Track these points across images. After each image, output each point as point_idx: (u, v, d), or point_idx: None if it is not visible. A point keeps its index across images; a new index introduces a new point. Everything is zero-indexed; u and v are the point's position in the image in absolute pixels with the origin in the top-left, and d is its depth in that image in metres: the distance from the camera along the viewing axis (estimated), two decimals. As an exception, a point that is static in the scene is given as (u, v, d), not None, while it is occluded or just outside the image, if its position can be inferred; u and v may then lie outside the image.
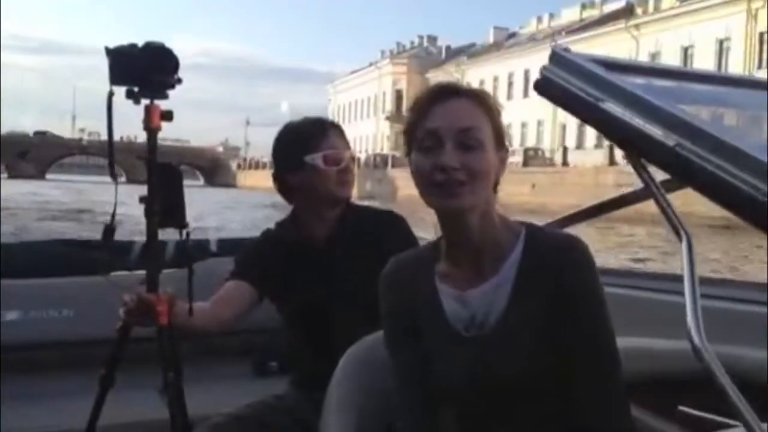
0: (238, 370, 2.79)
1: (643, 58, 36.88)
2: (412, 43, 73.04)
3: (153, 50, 1.85)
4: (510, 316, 1.35)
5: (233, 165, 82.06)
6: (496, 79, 55.18)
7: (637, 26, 43.49)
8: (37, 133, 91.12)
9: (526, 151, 40.30)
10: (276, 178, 2.18)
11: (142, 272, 1.96)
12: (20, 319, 2.58)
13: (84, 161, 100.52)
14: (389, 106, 65.65)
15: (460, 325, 1.38)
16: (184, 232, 1.92)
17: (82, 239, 3.11)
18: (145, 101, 1.87)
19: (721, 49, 38.45)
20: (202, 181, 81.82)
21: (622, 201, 1.81)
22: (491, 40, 64.05)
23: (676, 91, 1.51)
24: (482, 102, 1.36)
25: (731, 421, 1.37)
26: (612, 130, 1.31)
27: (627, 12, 49.20)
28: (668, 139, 1.19)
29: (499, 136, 1.36)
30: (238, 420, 2.07)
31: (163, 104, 1.88)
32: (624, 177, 29.91)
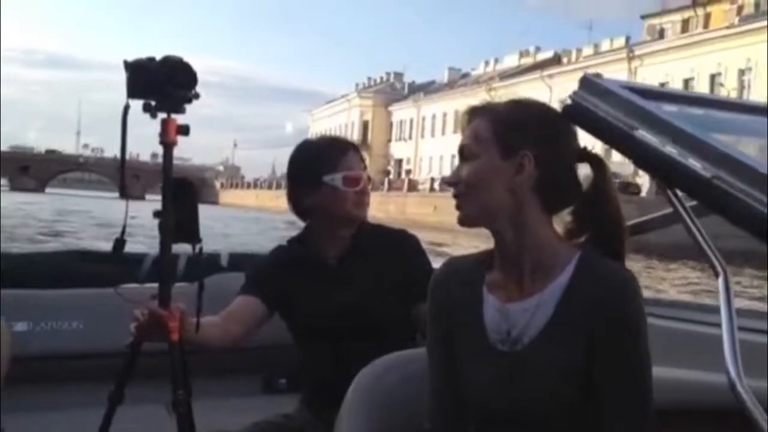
0: (248, 388, 2.71)
1: (555, 104, 45.12)
2: (381, 78, 77.74)
3: (171, 64, 1.82)
4: (546, 337, 1.27)
5: (217, 184, 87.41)
6: (444, 115, 60.70)
7: (550, 76, 49.36)
8: (48, 152, 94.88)
9: (431, 180, 46.30)
10: (291, 196, 2.09)
11: (152, 285, 1.89)
12: (29, 330, 2.52)
13: (86, 176, 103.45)
14: (357, 135, 69.13)
15: (497, 338, 1.31)
16: (197, 247, 1.85)
17: (93, 251, 3.07)
18: (161, 115, 1.83)
19: None
20: None
21: (649, 225, 1.78)
22: (446, 79, 69.97)
23: (708, 120, 1.47)
24: (483, 118, 1.33)
25: None
26: (645, 159, 1.26)
27: (555, 61, 55.00)
28: (704, 171, 1.16)
29: (504, 146, 1.29)
30: None
31: (179, 119, 1.83)
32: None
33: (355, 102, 73.74)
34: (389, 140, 69.75)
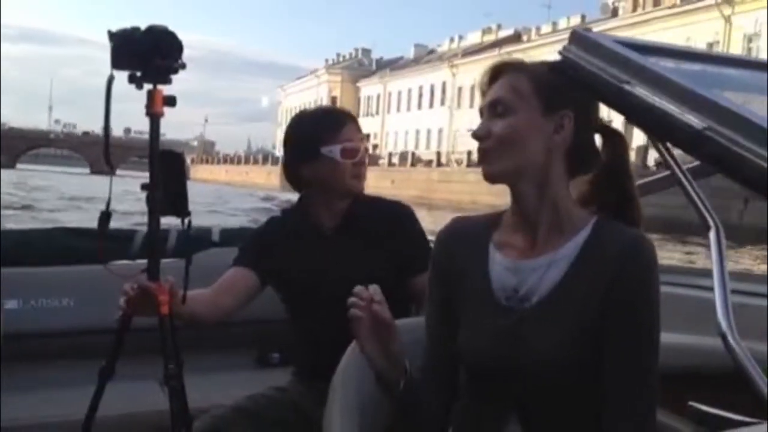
0: (240, 361, 2.69)
1: None
2: (350, 54, 78.49)
3: (156, 34, 1.77)
4: (556, 296, 1.24)
5: (188, 159, 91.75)
6: (409, 91, 62.13)
7: (508, 53, 50.49)
8: (12, 129, 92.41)
9: (389, 155, 49.72)
10: (287, 167, 2.05)
11: (143, 262, 1.85)
12: (20, 307, 2.49)
13: (57, 152, 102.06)
14: None
15: (503, 294, 1.29)
16: (186, 220, 1.81)
17: (83, 228, 2.97)
18: (147, 86, 1.77)
19: None
20: None
21: (645, 188, 1.74)
22: (412, 56, 70.97)
23: (705, 75, 1.44)
24: (521, 73, 1.30)
25: (745, 418, 1.35)
26: (636, 114, 1.24)
27: (515, 38, 55.66)
28: (696, 122, 1.13)
29: (545, 102, 1.26)
30: (239, 412, 1.96)
31: (165, 89, 1.78)
32: (445, 174, 39.99)
33: (324, 78, 74.31)
34: (357, 115, 71.21)
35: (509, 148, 1.28)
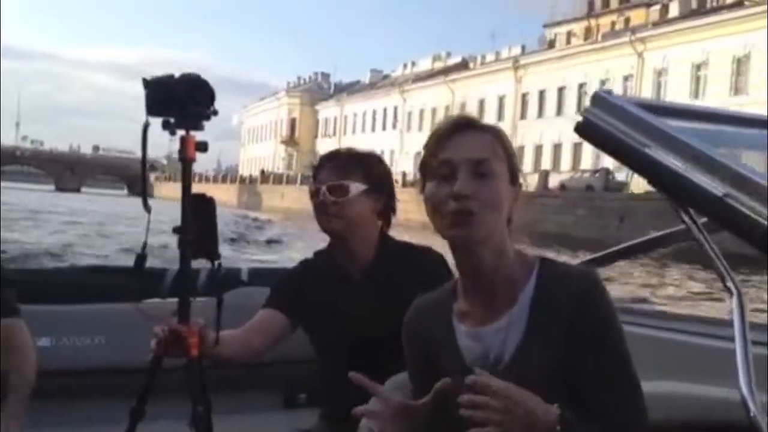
0: (267, 402, 2.68)
1: (456, 109, 46.08)
2: (310, 77, 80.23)
3: (190, 81, 1.80)
4: (524, 352, 1.25)
5: (152, 178, 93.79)
6: (364, 114, 64.31)
7: (453, 81, 53.05)
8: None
9: None
10: None
11: (173, 300, 1.86)
12: (52, 345, 2.48)
13: (24, 169, 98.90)
14: (285, 132, 73.26)
15: (476, 363, 1.27)
16: (216, 262, 1.83)
17: (114, 266, 3.06)
18: (180, 132, 1.80)
19: (501, 104, 48.33)
20: (126, 191, 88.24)
21: (660, 241, 1.77)
22: (368, 80, 73.24)
23: (723, 137, 1.47)
24: (497, 138, 1.30)
25: None
26: (657, 177, 1.26)
27: (462, 65, 57.43)
28: (716, 189, 1.16)
29: (513, 172, 1.27)
30: None
31: (198, 135, 1.82)
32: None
33: (284, 100, 75.69)
34: (316, 137, 71.65)
35: (490, 213, 1.25)
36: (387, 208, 2.05)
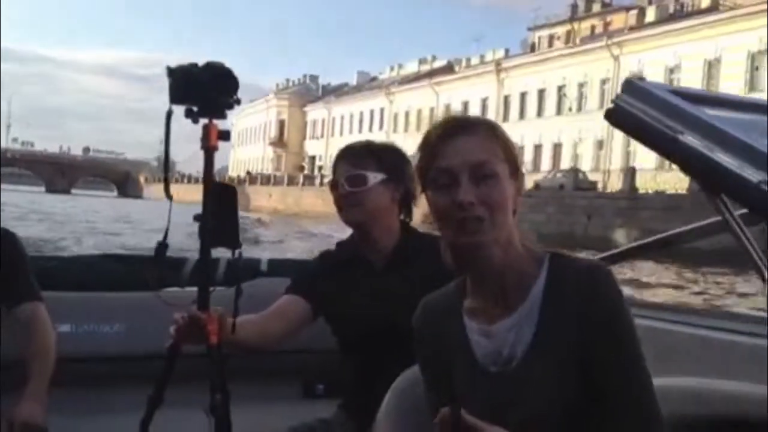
0: (286, 391, 2.67)
1: (441, 110, 47.81)
2: (298, 79, 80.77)
3: (214, 70, 1.81)
4: (537, 348, 1.23)
5: (141, 179, 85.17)
6: (351, 116, 64.63)
7: (438, 83, 53.62)
8: None
9: (321, 176, 50.84)
10: None
11: (192, 289, 1.86)
12: (71, 331, 2.48)
13: (16, 171, 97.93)
14: (274, 133, 73.53)
15: (488, 360, 1.25)
16: (236, 252, 1.82)
17: (135, 254, 3.05)
18: (203, 120, 1.80)
19: (484, 106, 48.39)
20: (115, 193, 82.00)
21: (694, 234, 1.74)
22: (355, 83, 73.91)
23: (757, 126, 1.41)
24: (493, 133, 1.26)
25: None
26: (690, 165, 1.23)
27: (448, 68, 58.15)
28: (752, 176, 1.12)
29: (513, 164, 1.25)
30: None
31: (220, 124, 1.82)
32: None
33: (273, 102, 75.90)
34: (304, 138, 71.97)
35: (501, 215, 1.22)
36: (407, 197, 2.05)
